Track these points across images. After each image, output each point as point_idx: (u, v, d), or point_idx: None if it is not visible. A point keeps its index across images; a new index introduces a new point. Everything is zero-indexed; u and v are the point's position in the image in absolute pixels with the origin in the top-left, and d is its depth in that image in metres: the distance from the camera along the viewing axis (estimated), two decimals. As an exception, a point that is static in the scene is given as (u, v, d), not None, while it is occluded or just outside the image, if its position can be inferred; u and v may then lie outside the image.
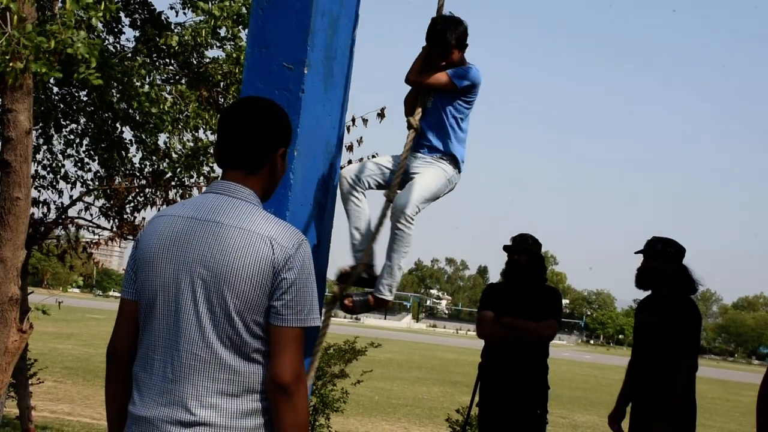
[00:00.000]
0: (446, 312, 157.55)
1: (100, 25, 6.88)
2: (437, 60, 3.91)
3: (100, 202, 9.83)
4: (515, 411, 5.23)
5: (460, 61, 3.94)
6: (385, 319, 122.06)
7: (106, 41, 8.70)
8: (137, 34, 8.95)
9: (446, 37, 3.86)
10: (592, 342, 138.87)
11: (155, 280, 2.24)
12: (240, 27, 8.50)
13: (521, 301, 5.28)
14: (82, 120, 9.31)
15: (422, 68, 3.96)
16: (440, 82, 3.91)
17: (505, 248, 5.49)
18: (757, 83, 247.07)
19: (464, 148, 4.05)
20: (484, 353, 5.47)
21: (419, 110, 3.99)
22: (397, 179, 3.86)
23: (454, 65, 3.92)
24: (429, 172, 3.91)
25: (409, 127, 3.97)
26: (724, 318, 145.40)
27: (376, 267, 3.91)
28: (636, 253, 5.19)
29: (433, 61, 3.94)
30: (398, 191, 3.86)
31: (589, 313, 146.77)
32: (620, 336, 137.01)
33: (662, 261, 5.04)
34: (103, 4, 6.16)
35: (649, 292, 5.21)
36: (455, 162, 3.97)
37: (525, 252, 5.41)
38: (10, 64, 5.68)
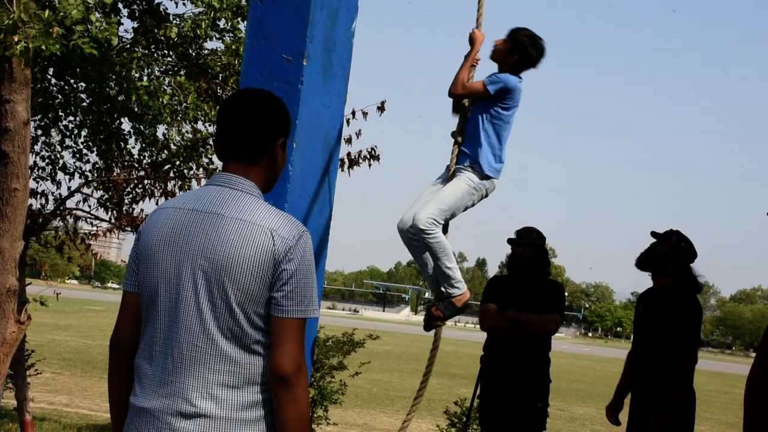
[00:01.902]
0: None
1: (98, 15, 6.85)
2: (509, 64, 4.22)
3: (99, 193, 9.81)
4: (517, 404, 5.23)
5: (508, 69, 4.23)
6: (383, 311, 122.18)
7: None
8: (135, 25, 8.92)
9: (517, 37, 4.21)
10: (590, 334, 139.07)
11: (157, 273, 2.25)
12: (239, 18, 8.48)
13: (524, 294, 5.28)
14: (81, 111, 9.29)
15: (466, 78, 4.17)
16: (476, 90, 4.14)
17: (509, 241, 5.48)
18: (757, 83, 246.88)
19: (501, 155, 4.22)
20: (487, 346, 5.47)
21: (460, 123, 4.26)
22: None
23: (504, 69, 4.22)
24: (450, 185, 4.13)
25: (455, 142, 4.22)
26: (722, 311, 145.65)
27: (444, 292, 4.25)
28: (651, 234, 5.17)
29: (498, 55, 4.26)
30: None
31: (587, 305, 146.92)
32: (618, 329, 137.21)
33: (672, 251, 5.05)
34: None
35: (650, 285, 5.23)
36: (482, 172, 4.15)
37: (529, 245, 5.40)
38: (13, 43, 5.67)
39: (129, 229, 9.53)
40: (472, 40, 4.21)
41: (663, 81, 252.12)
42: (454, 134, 4.23)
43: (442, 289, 4.19)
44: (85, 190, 9.76)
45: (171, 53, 9.01)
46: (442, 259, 4.05)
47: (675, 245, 5.07)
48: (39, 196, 9.48)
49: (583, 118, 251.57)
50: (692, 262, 5.11)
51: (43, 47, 5.74)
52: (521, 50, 4.21)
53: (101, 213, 9.87)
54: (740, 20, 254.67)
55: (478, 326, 5.83)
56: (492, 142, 4.15)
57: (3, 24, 5.72)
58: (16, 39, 5.66)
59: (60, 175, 9.73)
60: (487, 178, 4.17)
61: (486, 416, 5.42)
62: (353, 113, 8.87)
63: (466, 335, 66.38)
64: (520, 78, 4.24)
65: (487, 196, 4.25)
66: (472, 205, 4.20)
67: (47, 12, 5.78)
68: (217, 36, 8.77)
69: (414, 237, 4.08)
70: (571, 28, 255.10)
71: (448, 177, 4.18)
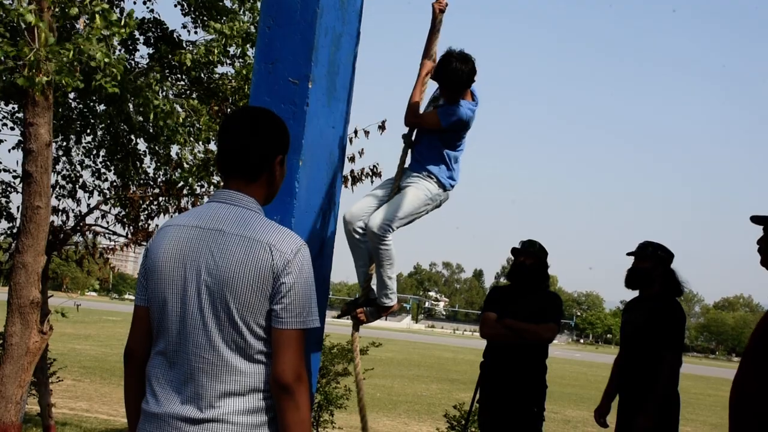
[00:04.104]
0: (444, 313, 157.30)
1: (116, 42, 6.89)
2: (446, 94, 3.95)
3: (116, 210, 9.85)
4: (515, 408, 5.20)
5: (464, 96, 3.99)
6: (385, 320, 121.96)
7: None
8: (151, 51, 8.97)
9: (458, 73, 3.86)
10: (582, 341, 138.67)
11: (164, 288, 2.24)
12: (248, 45, 8.52)
13: (523, 303, 5.26)
14: (99, 132, 9.32)
15: (418, 110, 3.99)
16: (430, 123, 3.95)
17: (514, 250, 5.48)
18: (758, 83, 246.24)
19: (455, 170, 4.06)
20: (486, 353, 5.44)
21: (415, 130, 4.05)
22: (395, 192, 3.94)
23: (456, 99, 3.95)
24: (408, 192, 3.92)
25: (406, 144, 4.02)
26: (705, 318, 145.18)
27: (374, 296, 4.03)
28: (628, 254, 5.19)
29: (443, 95, 3.98)
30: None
31: (579, 313, 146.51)
32: (608, 335, 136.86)
33: (652, 263, 5.06)
34: (123, 21, 6.21)
35: (637, 293, 5.22)
36: (440, 182, 4.00)
37: (531, 255, 5.40)
38: (36, 79, 5.74)
39: (144, 243, 9.55)
40: (421, 67, 4.04)
41: (662, 81, 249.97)
42: (405, 137, 4.04)
43: (376, 295, 3.99)
44: (104, 207, 9.80)
45: (184, 77, 9.05)
46: (386, 267, 3.86)
47: (652, 257, 5.08)
48: (60, 213, 9.51)
49: (576, 128, 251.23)
50: (671, 263, 5.11)
51: (64, 82, 5.80)
52: (450, 80, 3.90)
53: (118, 228, 9.92)
54: (740, 20, 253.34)
55: (476, 334, 5.82)
56: (446, 161, 4.01)
57: (26, 58, 5.78)
58: (40, 74, 5.73)
59: (80, 193, 9.78)
60: (443, 188, 4.02)
61: (485, 420, 5.39)
62: (355, 132, 8.90)
63: (464, 342, 66.29)
64: (473, 101, 4.02)
65: (440, 206, 4.09)
66: (425, 213, 4.02)
67: (71, 52, 5.84)
68: (228, 61, 8.81)
69: (359, 234, 3.89)
70: (576, 28, 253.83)
71: (397, 183, 3.97)
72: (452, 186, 4.08)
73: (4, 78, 6.55)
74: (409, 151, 4.07)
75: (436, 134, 3.98)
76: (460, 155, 4.09)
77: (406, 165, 4.07)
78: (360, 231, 3.91)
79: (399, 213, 3.84)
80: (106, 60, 6.08)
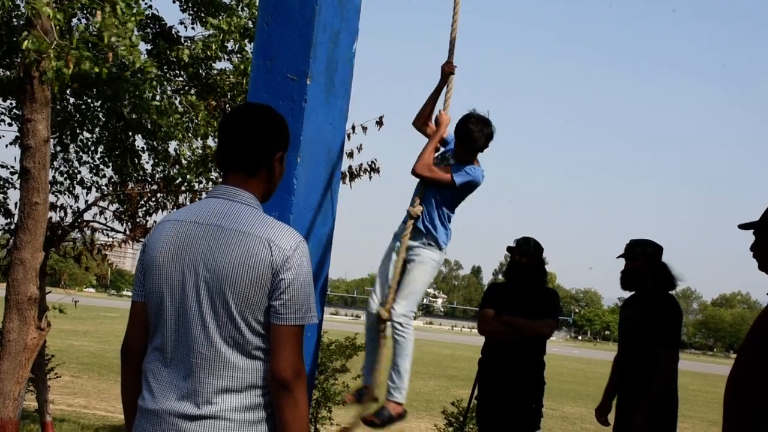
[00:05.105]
0: (442, 310, 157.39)
1: (113, 39, 6.88)
2: (459, 152, 3.99)
3: (114, 206, 9.85)
4: (513, 405, 5.21)
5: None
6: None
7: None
8: (149, 47, 8.96)
9: (474, 136, 3.93)
10: (580, 338, 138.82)
11: (162, 284, 2.23)
12: (246, 40, 8.51)
13: (521, 300, 5.28)
14: (97, 128, 9.31)
15: (432, 160, 3.98)
16: (443, 179, 3.95)
17: (509, 249, 5.50)
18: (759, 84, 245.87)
19: (449, 231, 4.10)
20: (484, 349, 5.46)
21: (417, 200, 4.02)
22: (392, 294, 3.93)
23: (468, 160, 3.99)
24: (418, 272, 3.95)
25: (409, 216, 3.99)
26: (703, 314, 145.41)
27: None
28: (618, 257, 5.22)
29: (456, 154, 4.01)
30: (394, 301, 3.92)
31: (577, 310, 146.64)
32: (606, 332, 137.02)
33: (642, 261, 5.08)
34: (134, 9, 6.24)
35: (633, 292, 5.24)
36: (439, 244, 4.03)
37: (527, 254, 5.41)
38: (64, 70, 5.75)
39: (143, 239, 9.54)
40: (438, 123, 4.03)
41: (657, 81, 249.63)
42: (411, 214, 3.97)
43: (389, 387, 3.87)
44: (102, 203, 9.79)
45: (182, 73, 9.04)
46: (405, 358, 3.83)
47: (641, 255, 5.10)
48: (58, 209, 9.50)
49: (576, 127, 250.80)
50: (661, 257, 5.13)
51: (96, 70, 5.83)
52: (468, 140, 3.97)
53: (116, 225, 9.91)
54: (739, 20, 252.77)
55: (474, 330, 5.82)
56: (445, 222, 4.04)
57: (48, 50, 5.79)
58: (69, 64, 5.75)
59: (78, 189, 9.77)
60: (440, 249, 4.05)
61: (483, 416, 5.40)
62: (353, 128, 8.89)
63: (463, 339, 66.30)
64: (480, 167, 4.07)
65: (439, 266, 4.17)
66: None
67: (106, 38, 5.88)
68: (226, 57, 8.80)
69: (379, 326, 3.90)
70: (579, 29, 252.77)
71: (400, 251, 3.95)
72: (446, 244, 4.11)
73: (31, 65, 6.48)
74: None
75: (439, 192, 3.99)
76: (453, 216, 4.12)
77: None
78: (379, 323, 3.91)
79: (417, 296, 3.92)
80: (137, 41, 6.16)
